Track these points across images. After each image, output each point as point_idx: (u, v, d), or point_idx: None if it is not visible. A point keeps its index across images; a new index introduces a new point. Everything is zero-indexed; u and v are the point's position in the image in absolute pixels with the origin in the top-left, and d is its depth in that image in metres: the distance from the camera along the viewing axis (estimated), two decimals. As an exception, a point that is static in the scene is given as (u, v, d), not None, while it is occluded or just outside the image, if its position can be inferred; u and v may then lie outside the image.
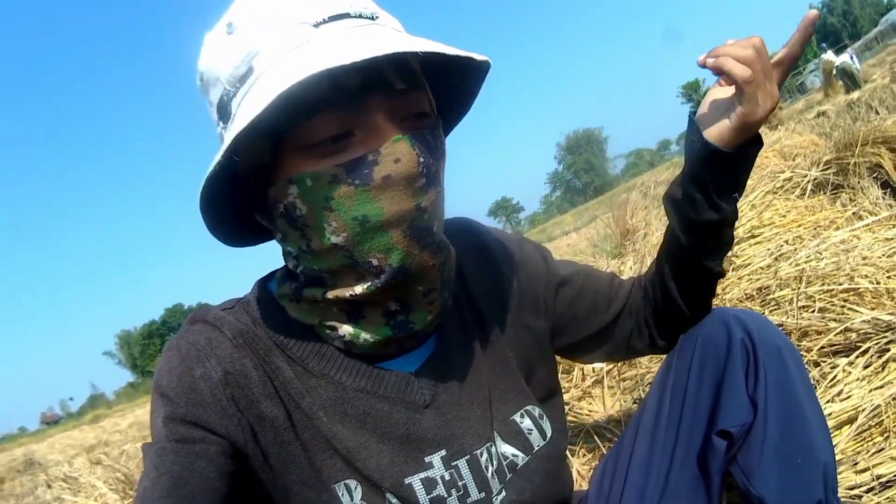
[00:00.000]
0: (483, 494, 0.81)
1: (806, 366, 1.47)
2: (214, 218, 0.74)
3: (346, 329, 0.76)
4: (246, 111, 0.63)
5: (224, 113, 0.72)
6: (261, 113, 0.60)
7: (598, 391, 1.77)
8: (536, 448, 0.88)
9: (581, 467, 1.46)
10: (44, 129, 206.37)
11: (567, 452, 1.51)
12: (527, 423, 0.88)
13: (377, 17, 0.71)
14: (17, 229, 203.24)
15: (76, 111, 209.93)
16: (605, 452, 1.39)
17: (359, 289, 0.71)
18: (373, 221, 0.67)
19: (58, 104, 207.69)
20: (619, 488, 0.99)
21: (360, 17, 0.70)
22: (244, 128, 0.62)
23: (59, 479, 4.09)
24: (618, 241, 3.71)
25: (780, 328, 1.63)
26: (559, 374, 1.88)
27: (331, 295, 0.73)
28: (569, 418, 1.67)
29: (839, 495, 0.90)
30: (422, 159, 0.68)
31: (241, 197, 0.76)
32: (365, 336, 0.76)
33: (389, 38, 0.66)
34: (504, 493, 0.83)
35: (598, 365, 1.85)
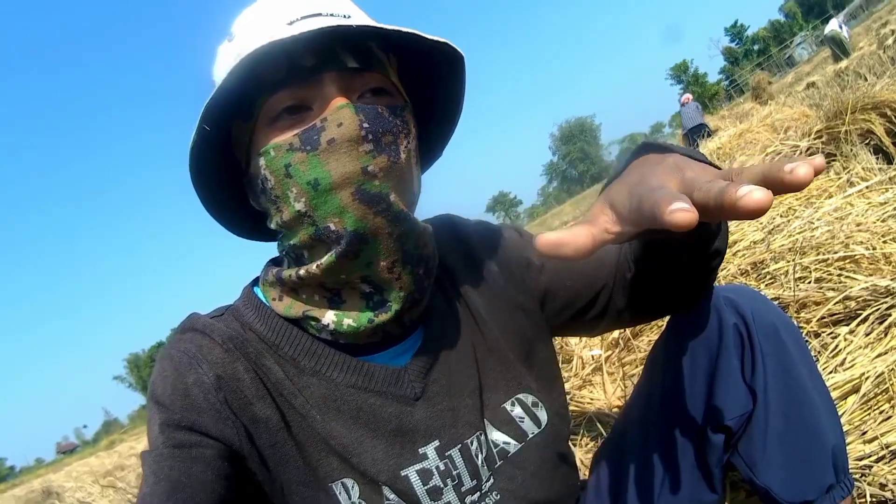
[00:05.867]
0: (475, 482, 0.82)
1: (806, 340, 1.47)
2: (227, 211, 0.83)
3: (329, 317, 0.77)
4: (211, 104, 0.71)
5: None
6: (221, 84, 0.67)
7: (599, 378, 1.75)
8: (531, 436, 0.87)
9: (584, 456, 1.44)
10: (50, 161, 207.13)
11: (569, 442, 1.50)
12: (517, 412, 0.88)
13: (349, 17, 0.75)
14: (20, 260, 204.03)
15: (83, 135, 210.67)
16: (607, 441, 1.37)
17: (325, 259, 0.73)
18: (323, 184, 0.70)
19: (63, 124, 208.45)
20: (616, 485, 0.97)
21: (332, 16, 0.75)
22: (209, 99, 0.69)
23: (73, 506, 4.10)
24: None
25: (777, 301, 1.62)
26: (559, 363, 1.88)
27: (302, 271, 0.75)
28: (571, 407, 1.65)
29: (849, 467, 0.88)
30: (366, 125, 0.70)
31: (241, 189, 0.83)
32: (348, 321, 0.76)
33: (342, 24, 0.70)
34: (493, 480, 0.83)
35: (596, 352, 1.83)
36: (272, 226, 0.79)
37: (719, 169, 0.58)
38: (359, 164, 0.70)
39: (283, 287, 0.79)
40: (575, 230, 0.54)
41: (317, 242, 0.74)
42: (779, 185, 0.44)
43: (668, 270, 0.84)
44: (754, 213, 0.41)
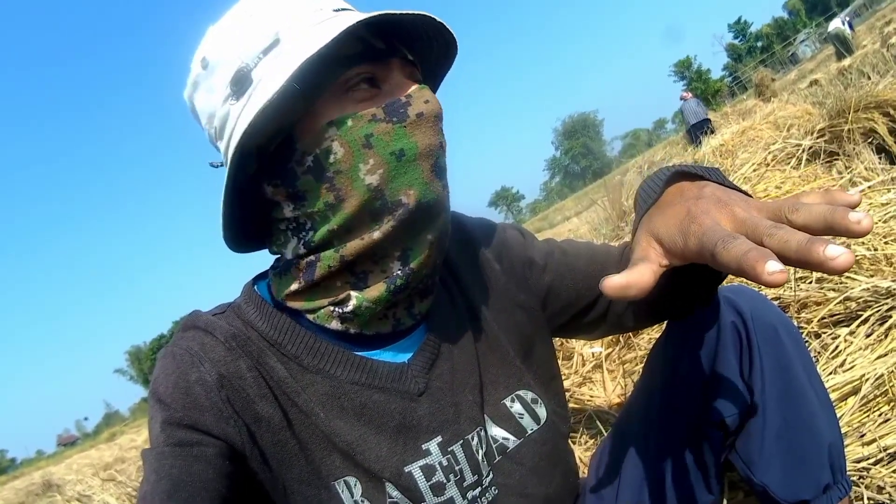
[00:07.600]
0: (476, 477, 0.82)
1: (806, 341, 1.47)
2: (227, 214, 0.78)
3: (353, 300, 0.77)
4: (283, 68, 0.68)
5: (242, 84, 0.73)
6: (313, 55, 0.66)
7: (599, 376, 1.75)
8: (529, 432, 0.88)
9: (584, 455, 1.44)
10: (49, 157, 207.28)
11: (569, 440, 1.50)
12: (517, 408, 0.88)
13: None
14: (21, 253, 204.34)
15: (81, 132, 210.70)
16: (607, 439, 1.37)
17: (376, 233, 0.74)
18: (408, 154, 0.72)
19: (61, 121, 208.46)
20: (615, 482, 0.97)
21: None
22: (304, 60, 0.66)
23: (74, 499, 4.10)
24: (615, 223, 3.69)
25: (778, 301, 1.62)
26: (559, 361, 1.88)
27: (349, 251, 0.74)
28: (570, 405, 1.65)
29: (847, 469, 0.88)
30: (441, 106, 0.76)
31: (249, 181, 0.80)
32: (367, 303, 0.77)
33: (421, 12, 0.74)
34: (492, 475, 0.84)
35: (596, 349, 1.83)
36: (311, 209, 0.75)
37: (751, 196, 0.61)
38: (438, 138, 0.75)
39: (306, 279, 0.77)
40: (639, 270, 0.58)
41: (364, 218, 0.73)
42: (842, 233, 0.47)
43: (676, 285, 0.84)
44: (841, 273, 0.45)
